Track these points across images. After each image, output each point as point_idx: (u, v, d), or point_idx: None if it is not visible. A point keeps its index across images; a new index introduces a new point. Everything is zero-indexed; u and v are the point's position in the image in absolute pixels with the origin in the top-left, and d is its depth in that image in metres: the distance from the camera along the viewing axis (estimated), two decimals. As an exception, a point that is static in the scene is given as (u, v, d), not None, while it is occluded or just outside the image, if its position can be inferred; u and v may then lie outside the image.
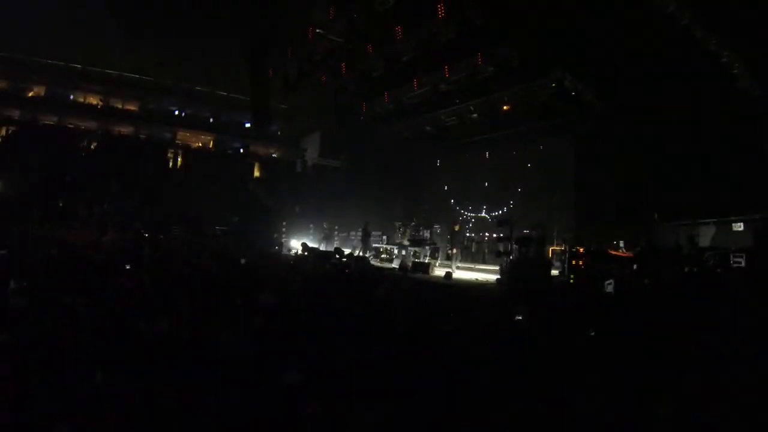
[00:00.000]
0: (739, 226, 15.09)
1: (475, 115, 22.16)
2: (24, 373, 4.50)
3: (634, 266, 12.58)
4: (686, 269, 12.26)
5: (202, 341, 5.70)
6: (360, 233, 22.38)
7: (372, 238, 21.62)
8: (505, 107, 20.72)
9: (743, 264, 12.45)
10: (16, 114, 31.96)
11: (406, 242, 19.98)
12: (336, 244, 22.52)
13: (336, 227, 24.59)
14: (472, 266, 19.17)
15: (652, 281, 10.93)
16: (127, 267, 10.75)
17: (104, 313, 6.76)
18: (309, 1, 20.28)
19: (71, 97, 34.18)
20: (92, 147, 31.73)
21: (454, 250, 18.54)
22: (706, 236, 15.62)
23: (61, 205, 22.87)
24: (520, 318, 7.93)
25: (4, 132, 30.51)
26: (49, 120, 32.81)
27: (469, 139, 23.67)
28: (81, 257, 12.42)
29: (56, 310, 6.55)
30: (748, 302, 8.36)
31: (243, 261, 14.87)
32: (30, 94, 33.24)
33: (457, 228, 19.20)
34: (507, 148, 22.22)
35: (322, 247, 22.15)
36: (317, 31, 20.77)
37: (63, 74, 32.69)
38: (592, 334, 6.72)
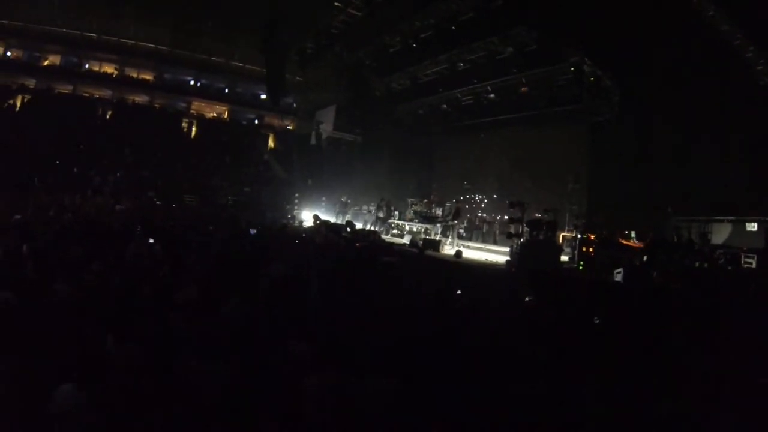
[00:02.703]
0: (752, 227, 14.95)
1: (492, 96, 22.06)
2: (39, 336, 4.58)
3: (645, 257, 12.57)
4: (696, 265, 12.23)
5: (212, 308, 5.78)
6: (373, 207, 22.39)
7: (383, 213, 21.62)
8: (522, 89, 20.59)
9: (754, 265, 12.40)
10: (31, 83, 31.96)
11: (417, 219, 20.00)
12: (348, 218, 22.55)
13: (348, 201, 24.58)
14: (482, 246, 19.17)
15: (661, 273, 10.91)
16: (140, 235, 10.86)
17: (118, 278, 6.86)
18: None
19: (86, 66, 34.02)
20: (107, 116, 31.82)
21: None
22: (718, 234, 15.49)
23: (75, 172, 22.98)
24: (528, 299, 7.99)
25: (19, 101, 30.59)
26: (64, 89, 32.73)
27: (485, 120, 23.54)
28: (95, 224, 12.56)
29: (70, 275, 6.65)
30: (755, 302, 8.36)
31: (253, 231, 14.96)
32: (45, 63, 33.18)
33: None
34: (523, 131, 22.05)
35: (339, 220, 22.19)
36: (336, 4, 20.65)
37: (78, 43, 32.47)
38: (597, 321, 6.76)
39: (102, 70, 34.38)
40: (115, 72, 34.34)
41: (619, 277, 11.09)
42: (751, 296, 8.91)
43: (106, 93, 33.67)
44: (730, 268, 12.32)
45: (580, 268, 13.37)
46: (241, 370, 4.32)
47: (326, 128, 31.50)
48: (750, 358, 4.91)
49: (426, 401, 4.15)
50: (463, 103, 23.97)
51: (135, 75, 35.00)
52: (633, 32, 14.30)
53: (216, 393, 4.10)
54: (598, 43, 16.31)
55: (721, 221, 15.71)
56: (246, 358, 4.53)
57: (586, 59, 17.58)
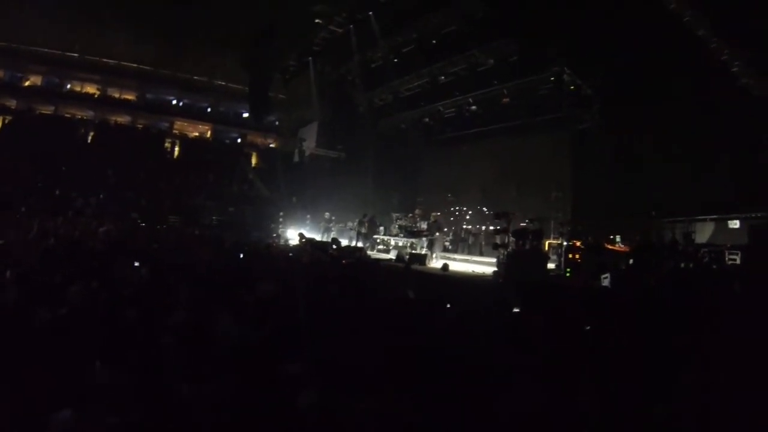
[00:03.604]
0: (735, 224, 15.17)
1: (473, 108, 22.23)
2: (23, 362, 4.51)
3: (630, 261, 12.64)
4: (682, 265, 12.34)
5: (202, 330, 5.72)
6: (356, 224, 22.29)
7: (365, 229, 21.52)
8: (504, 100, 20.77)
9: (738, 261, 12.56)
10: (12, 103, 31.84)
11: (402, 233, 20.01)
12: (333, 235, 22.49)
13: (333, 218, 24.52)
14: (469, 258, 19.20)
15: (648, 276, 10.98)
16: (125, 257, 10.75)
17: (104, 302, 6.78)
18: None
19: (68, 86, 34.01)
20: (89, 137, 31.67)
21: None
22: (702, 233, 15.70)
23: (57, 194, 22.78)
24: (517, 309, 7.99)
25: (0, 122, 30.38)
26: (46, 109, 32.70)
27: (468, 132, 23.69)
28: (79, 247, 12.43)
29: (53, 300, 6.57)
30: (742, 298, 8.44)
31: (240, 255, 14.80)
32: (27, 84, 33.08)
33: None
34: (505, 141, 22.19)
35: (324, 238, 22.09)
36: (317, 21, 20.81)
37: (60, 63, 32.52)
38: (588, 327, 6.77)
39: (84, 90, 34.38)
40: (97, 92, 34.36)
41: (606, 282, 11.12)
42: (737, 291, 9.02)
43: (88, 113, 33.61)
44: (714, 266, 12.47)
45: (567, 275, 13.43)
46: (233, 392, 4.28)
47: (309, 145, 31.52)
48: (740, 354, 4.95)
49: (422, 417, 4.13)
50: (446, 116, 24.12)
51: (117, 95, 35.05)
52: (611, 40, 14.51)
53: (209, 415, 4.06)
54: (577, 53, 16.53)
55: (704, 220, 15.91)
56: (238, 379, 4.49)
57: (566, 69, 17.79)
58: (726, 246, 13.53)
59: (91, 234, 16.34)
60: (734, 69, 15.27)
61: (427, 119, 25.18)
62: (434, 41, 19.53)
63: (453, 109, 23.44)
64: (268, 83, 27.86)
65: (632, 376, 4.68)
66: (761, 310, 7.03)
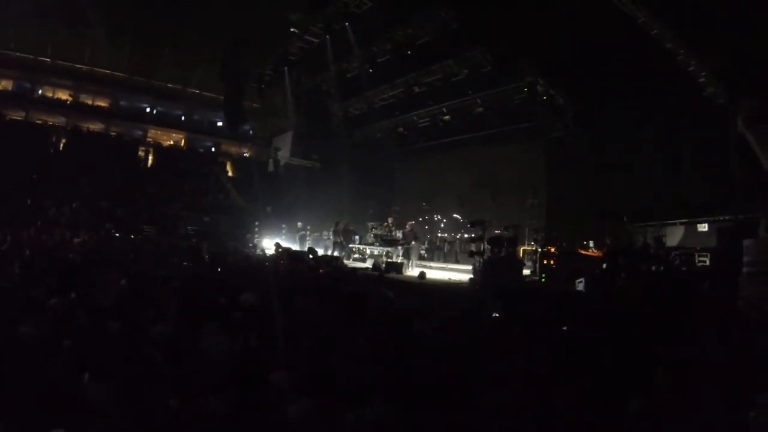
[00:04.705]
0: (703, 227, 15.59)
1: (447, 117, 22.48)
2: (8, 380, 4.49)
3: (604, 265, 12.90)
4: (653, 268, 12.64)
5: (188, 342, 5.74)
6: (332, 233, 22.28)
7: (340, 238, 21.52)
8: (478, 109, 21.05)
9: (707, 263, 12.95)
10: (-19, 110, 31.18)
11: (377, 242, 20.07)
12: (309, 244, 22.47)
13: (308, 227, 24.49)
14: (444, 266, 19.32)
15: (620, 279, 11.24)
16: (102, 269, 10.64)
17: (87, 316, 6.75)
18: (285, 2, 20.40)
19: (39, 91, 33.44)
20: (61, 144, 31.16)
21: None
22: (672, 236, 16.09)
23: (29, 204, 22.39)
24: (495, 316, 8.11)
25: (-31, 128, 29.75)
26: (17, 115, 31.94)
27: (442, 141, 23.96)
28: (56, 259, 12.27)
29: (35, 314, 6.52)
30: (712, 299, 8.72)
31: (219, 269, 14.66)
32: (-3, 89, 32.47)
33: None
34: (480, 150, 22.46)
35: (300, 247, 22.03)
36: (293, 30, 20.88)
37: (31, 68, 31.92)
38: (564, 329, 6.95)
39: (56, 96, 33.83)
40: (70, 98, 33.80)
41: (581, 287, 11.33)
42: (706, 292, 9.31)
43: (60, 120, 33.10)
44: (685, 268, 12.84)
45: (543, 280, 13.65)
46: (223, 404, 4.30)
47: (284, 155, 31.43)
48: (710, 352, 5.14)
49: (408, 424, 4.19)
50: (420, 126, 24.39)
51: (90, 102, 34.57)
52: (583, 51, 14.87)
53: (199, 428, 4.08)
54: (550, 63, 16.89)
55: (674, 224, 16.30)
56: (228, 391, 4.51)
57: (539, 79, 18.15)
58: (696, 249, 13.98)
59: (66, 245, 16.12)
60: (700, 79, 15.84)
61: (401, 129, 25.41)
62: (409, 52, 19.73)
63: (427, 119, 23.72)
64: (242, 92, 27.83)
65: (608, 375, 4.84)
66: (729, 308, 7.30)
